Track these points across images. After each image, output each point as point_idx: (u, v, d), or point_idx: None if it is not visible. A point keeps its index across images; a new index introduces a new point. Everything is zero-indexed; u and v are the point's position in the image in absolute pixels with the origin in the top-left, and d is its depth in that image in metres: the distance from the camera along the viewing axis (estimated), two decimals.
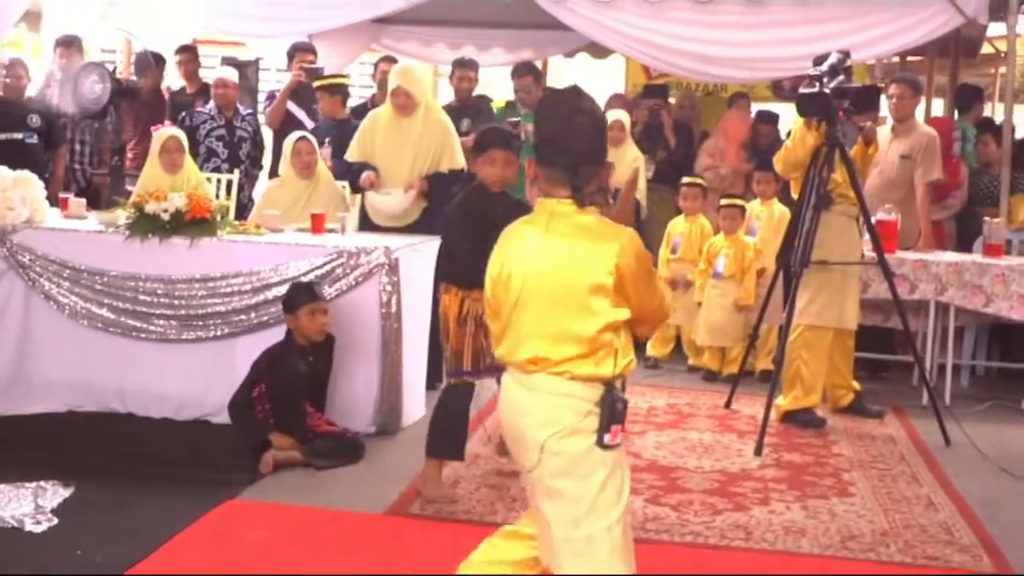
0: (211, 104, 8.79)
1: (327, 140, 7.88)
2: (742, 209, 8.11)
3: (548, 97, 3.44)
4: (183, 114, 8.78)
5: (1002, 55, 9.89)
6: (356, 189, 7.27)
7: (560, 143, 3.12)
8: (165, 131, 7.41)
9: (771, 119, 9.45)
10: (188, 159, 7.28)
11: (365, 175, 7.04)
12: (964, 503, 5.49)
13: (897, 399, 7.57)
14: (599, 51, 10.79)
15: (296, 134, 7.33)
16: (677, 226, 8.42)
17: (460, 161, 7.14)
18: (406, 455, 5.80)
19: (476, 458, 5.83)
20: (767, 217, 8.18)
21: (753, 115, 9.70)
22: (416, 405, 6.51)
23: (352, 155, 7.17)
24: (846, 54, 6.63)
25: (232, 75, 8.90)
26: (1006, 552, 4.84)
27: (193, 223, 6.24)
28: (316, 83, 8.45)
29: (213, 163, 8.51)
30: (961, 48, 10.75)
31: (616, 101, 9.95)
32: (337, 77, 8.58)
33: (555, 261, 3.09)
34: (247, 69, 9.92)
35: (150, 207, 6.21)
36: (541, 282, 3.10)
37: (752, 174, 8.56)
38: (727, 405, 7.16)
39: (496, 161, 5.23)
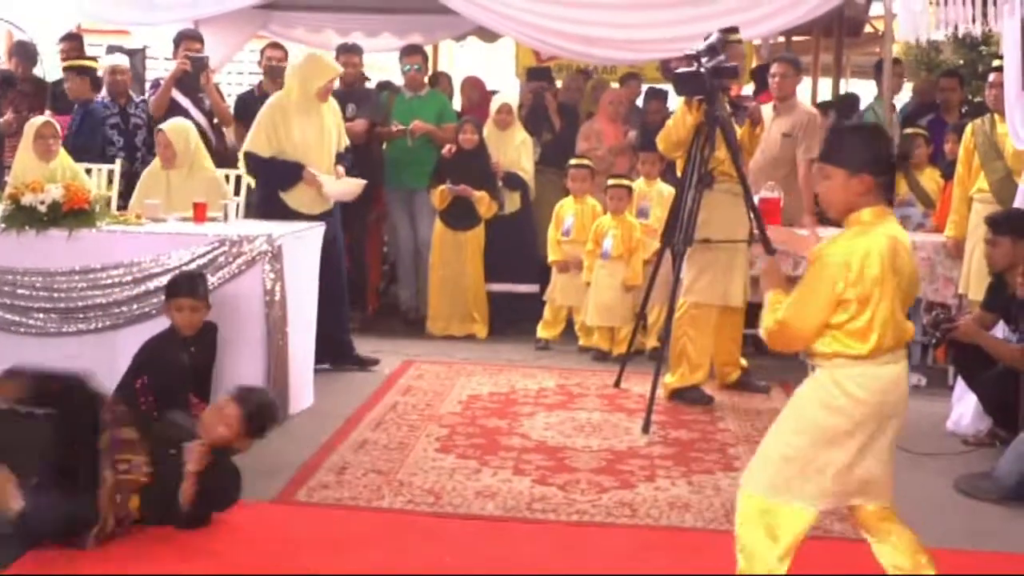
0: (104, 92, 8.66)
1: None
2: (629, 189, 8.16)
3: (857, 127, 4.14)
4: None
5: (880, 34, 10.07)
6: (279, 186, 7.17)
7: (885, 162, 3.65)
8: (39, 118, 7.30)
9: (660, 96, 9.55)
10: (62, 149, 7.17)
11: (307, 172, 7.07)
12: None
13: (784, 374, 7.65)
14: (488, 35, 10.81)
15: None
16: (566, 207, 8.45)
17: (347, 140, 7.49)
18: (292, 443, 5.79)
19: (364, 443, 5.83)
20: (656, 196, 8.26)
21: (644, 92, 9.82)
22: (303, 393, 6.49)
23: (261, 148, 7.10)
24: (729, 30, 6.71)
25: (124, 61, 8.79)
26: None
27: (71, 214, 6.10)
28: (65, 64, 8.62)
29: (109, 152, 8.36)
30: (845, 28, 10.96)
31: (468, 84, 10.02)
32: (84, 59, 8.65)
33: (907, 258, 3.64)
34: (133, 58, 9.75)
35: (26, 199, 6.07)
36: (903, 278, 3.61)
37: (637, 152, 8.65)
38: (616, 384, 7.20)
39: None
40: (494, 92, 9.71)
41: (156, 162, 7.21)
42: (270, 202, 7.13)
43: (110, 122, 8.47)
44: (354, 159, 7.70)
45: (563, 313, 8.48)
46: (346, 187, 7.36)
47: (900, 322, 3.60)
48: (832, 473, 3.59)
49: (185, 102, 8.40)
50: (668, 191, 8.11)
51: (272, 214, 6.99)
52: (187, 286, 5.70)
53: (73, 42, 9.52)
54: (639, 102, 9.84)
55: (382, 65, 12.58)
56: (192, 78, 8.46)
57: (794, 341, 3.68)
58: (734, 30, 6.98)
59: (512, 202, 8.71)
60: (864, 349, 3.54)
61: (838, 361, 3.58)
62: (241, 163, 7.30)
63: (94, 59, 8.86)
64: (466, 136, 8.49)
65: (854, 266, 3.50)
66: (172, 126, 7.24)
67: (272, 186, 7.20)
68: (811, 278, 3.58)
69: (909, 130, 8.45)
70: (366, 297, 9.13)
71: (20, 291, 6.11)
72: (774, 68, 7.96)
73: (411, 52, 9.10)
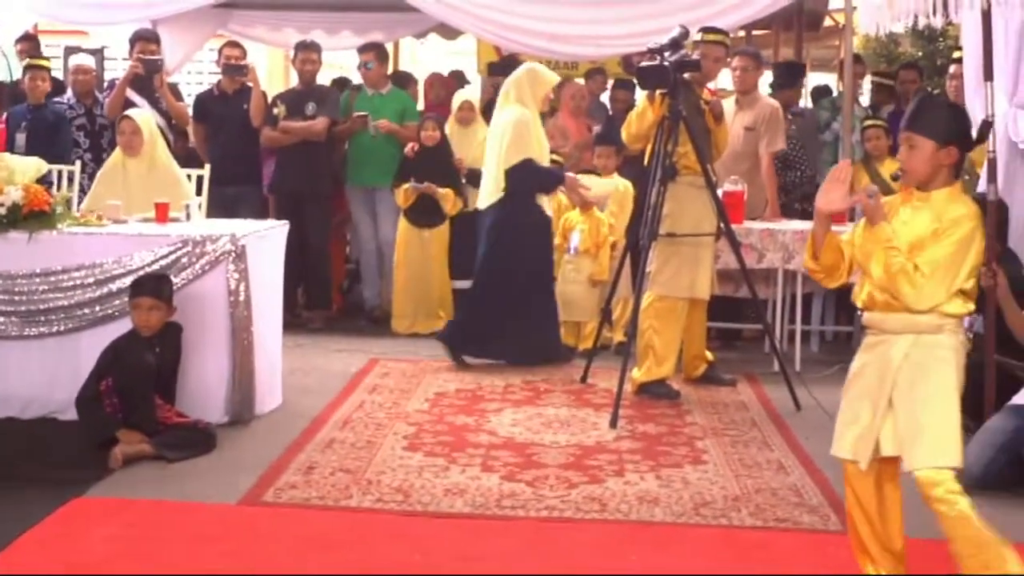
0: (68, 93, 8.59)
1: (23, 124, 7.79)
2: None
3: (948, 101, 4.10)
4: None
5: (840, 27, 10.12)
6: (544, 191, 7.57)
7: (969, 138, 3.78)
8: None
9: (627, 86, 9.57)
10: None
11: (570, 177, 7.67)
12: (813, 465, 5.60)
13: (750, 367, 7.71)
14: (450, 32, 10.79)
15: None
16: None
17: None
18: (259, 443, 5.76)
19: (331, 443, 5.80)
20: (612, 190, 8.26)
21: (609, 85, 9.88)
22: (270, 393, 6.44)
23: (534, 155, 7.36)
24: (708, 30, 6.75)
25: (88, 61, 8.74)
26: None
27: (31, 216, 6.04)
28: (27, 61, 8.63)
29: (75, 153, 8.29)
30: (805, 21, 11.00)
31: (438, 81, 10.04)
32: (42, 59, 8.65)
33: None
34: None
35: None
36: None
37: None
38: (583, 380, 7.19)
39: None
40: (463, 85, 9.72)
41: (115, 155, 7.11)
42: (530, 209, 7.46)
43: (76, 123, 8.41)
44: (316, 158, 7.66)
45: None
46: (603, 191, 8.02)
47: None
48: None
49: (141, 102, 8.33)
50: (625, 186, 8.14)
51: (529, 221, 7.45)
52: (148, 285, 5.68)
53: (29, 43, 9.46)
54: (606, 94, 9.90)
55: (342, 64, 12.55)
56: (145, 80, 8.39)
57: (929, 300, 3.68)
58: (714, 30, 7.02)
59: (476, 199, 8.68)
60: (972, 307, 3.74)
61: (956, 322, 3.72)
62: (497, 173, 7.41)
63: (47, 58, 8.82)
64: (428, 133, 8.45)
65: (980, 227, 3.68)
66: (137, 112, 7.21)
67: (536, 192, 7.48)
68: (957, 242, 3.64)
69: (868, 122, 8.48)
70: (330, 296, 9.09)
71: None
72: (735, 62, 7.96)
73: (366, 49, 9.05)
